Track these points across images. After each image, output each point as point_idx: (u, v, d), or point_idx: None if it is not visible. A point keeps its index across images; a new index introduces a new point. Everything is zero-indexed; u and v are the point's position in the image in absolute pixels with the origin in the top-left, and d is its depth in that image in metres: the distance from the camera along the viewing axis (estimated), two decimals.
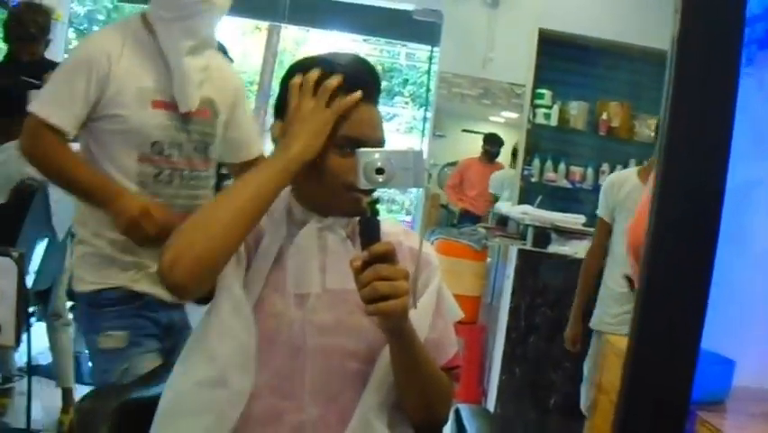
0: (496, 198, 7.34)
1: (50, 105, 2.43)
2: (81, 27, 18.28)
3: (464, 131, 7.69)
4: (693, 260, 1.27)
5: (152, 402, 1.82)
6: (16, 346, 2.89)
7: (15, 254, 2.80)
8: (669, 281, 1.27)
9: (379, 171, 1.63)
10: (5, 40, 4.78)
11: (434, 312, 1.90)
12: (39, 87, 4.41)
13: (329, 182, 1.84)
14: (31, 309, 4.24)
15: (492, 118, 7.61)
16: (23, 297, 2.82)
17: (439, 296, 1.93)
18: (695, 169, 1.27)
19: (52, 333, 4.55)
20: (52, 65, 4.69)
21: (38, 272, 4.20)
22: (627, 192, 4.14)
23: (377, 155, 1.64)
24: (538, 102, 7.13)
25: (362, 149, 1.68)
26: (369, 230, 1.62)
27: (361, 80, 1.86)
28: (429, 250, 2.00)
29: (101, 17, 19.87)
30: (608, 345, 2.10)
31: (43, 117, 2.40)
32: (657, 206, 1.27)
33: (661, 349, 1.26)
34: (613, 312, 4.05)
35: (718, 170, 1.25)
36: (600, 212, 4.34)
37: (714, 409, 1.55)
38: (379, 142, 1.85)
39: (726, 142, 1.25)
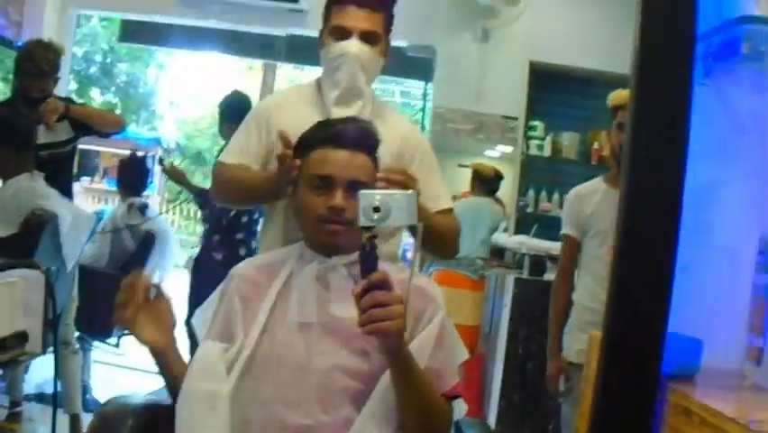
0: None
1: (227, 153, 2.85)
2: (79, 69, 18.44)
3: (460, 166, 7.73)
4: (658, 250, 1.42)
5: (171, 407, 1.94)
6: (43, 353, 3.00)
7: (43, 267, 2.92)
8: (637, 270, 1.42)
9: (377, 210, 1.81)
10: (16, 75, 4.87)
11: (435, 345, 2.07)
12: (35, 119, 4.56)
13: (306, 216, 2.18)
14: None
15: (487, 152, 7.66)
16: (52, 308, 2.93)
17: (442, 331, 2.11)
18: (657, 171, 1.43)
19: (61, 361, 4.64)
20: (61, 101, 4.82)
21: None
22: (598, 202, 3.84)
23: (376, 196, 1.83)
24: (531, 134, 7.19)
25: (363, 190, 1.88)
26: (367, 261, 1.82)
27: (337, 131, 2.24)
28: (434, 288, 2.24)
29: (98, 58, 20.05)
30: (593, 339, 2.23)
31: (220, 160, 2.84)
32: (624, 206, 1.43)
33: (633, 329, 1.40)
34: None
35: (677, 171, 1.40)
36: (567, 229, 4.03)
37: (685, 382, 1.68)
38: (352, 182, 2.13)
39: (682, 145, 1.40)
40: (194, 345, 4.76)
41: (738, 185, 1.89)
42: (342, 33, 2.73)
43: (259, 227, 5.66)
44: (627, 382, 1.41)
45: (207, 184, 5.41)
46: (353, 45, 2.70)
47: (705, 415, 1.50)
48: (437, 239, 2.66)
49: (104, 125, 4.97)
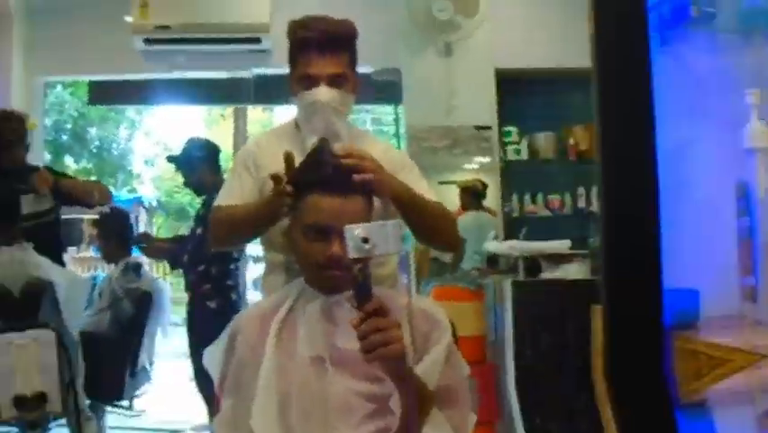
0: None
1: (221, 196, 2.86)
2: (49, 138, 18.45)
3: (441, 183, 7.73)
4: (640, 208, 1.48)
5: None
6: (64, 415, 3.02)
7: (53, 325, 2.93)
8: (625, 233, 1.48)
9: (364, 241, 1.87)
10: None
11: (445, 364, 2.16)
12: (27, 192, 4.59)
13: (305, 263, 2.26)
14: None
15: (466, 166, 7.66)
16: (68, 366, 2.95)
17: (449, 352, 2.19)
18: (628, 140, 1.50)
19: (76, 430, 4.63)
20: (36, 171, 4.86)
21: None
22: None
23: (360, 229, 1.88)
24: (506, 140, 7.26)
25: (348, 225, 1.92)
26: (361, 292, 1.89)
27: (329, 175, 2.23)
28: (438, 310, 2.29)
29: (68, 125, 20.05)
30: (595, 312, 2.29)
31: (216, 204, 2.85)
32: (603, 178, 1.50)
33: (630, 290, 1.47)
34: None
35: (647, 136, 1.47)
36: None
37: (688, 330, 1.73)
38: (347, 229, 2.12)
39: (648, 109, 1.47)
40: (206, 396, 4.80)
41: (710, 140, 1.96)
42: (310, 81, 2.77)
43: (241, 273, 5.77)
44: (634, 339, 1.46)
45: None
46: (323, 93, 2.75)
47: (711, 351, 1.55)
48: (433, 223, 2.74)
49: (89, 198, 5.02)
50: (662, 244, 1.48)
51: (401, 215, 2.61)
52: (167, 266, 8.04)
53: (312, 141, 2.73)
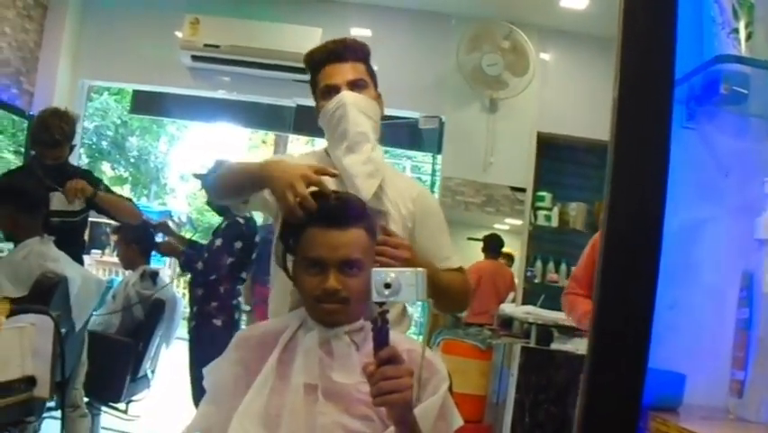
0: None
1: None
2: (90, 143, 18.65)
3: (469, 239, 7.72)
4: (637, 285, 1.45)
5: None
6: (50, 400, 3.03)
7: (54, 313, 2.94)
8: (617, 307, 1.46)
9: (387, 286, 1.87)
10: (31, 143, 4.93)
11: (438, 415, 2.12)
12: (59, 191, 4.63)
13: (303, 295, 2.23)
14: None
15: (497, 225, 7.66)
16: (60, 354, 2.96)
17: (444, 402, 2.16)
18: (636, 212, 1.48)
19: (69, 424, 4.63)
20: (75, 170, 4.94)
21: None
22: None
23: (388, 274, 1.88)
24: (539, 204, 7.24)
25: (375, 268, 1.92)
26: (379, 336, 1.88)
27: (325, 210, 2.21)
28: (438, 360, 2.27)
29: (109, 132, 20.30)
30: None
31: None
32: (605, 245, 1.47)
33: (614, 362, 1.44)
34: None
35: (656, 213, 1.45)
36: None
37: (666, 412, 1.68)
38: (344, 262, 2.16)
39: (661, 187, 1.45)
40: None
41: (723, 224, 1.91)
42: (332, 90, 2.77)
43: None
44: (609, 413, 1.43)
45: None
46: (346, 95, 2.74)
47: None
48: (450, 298, 2.74)
49: (122, 216, 5.11)
50: (656, 323, 1.45)
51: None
52: (185, 280, 8.08)
53: (343, 146, 2.71)
